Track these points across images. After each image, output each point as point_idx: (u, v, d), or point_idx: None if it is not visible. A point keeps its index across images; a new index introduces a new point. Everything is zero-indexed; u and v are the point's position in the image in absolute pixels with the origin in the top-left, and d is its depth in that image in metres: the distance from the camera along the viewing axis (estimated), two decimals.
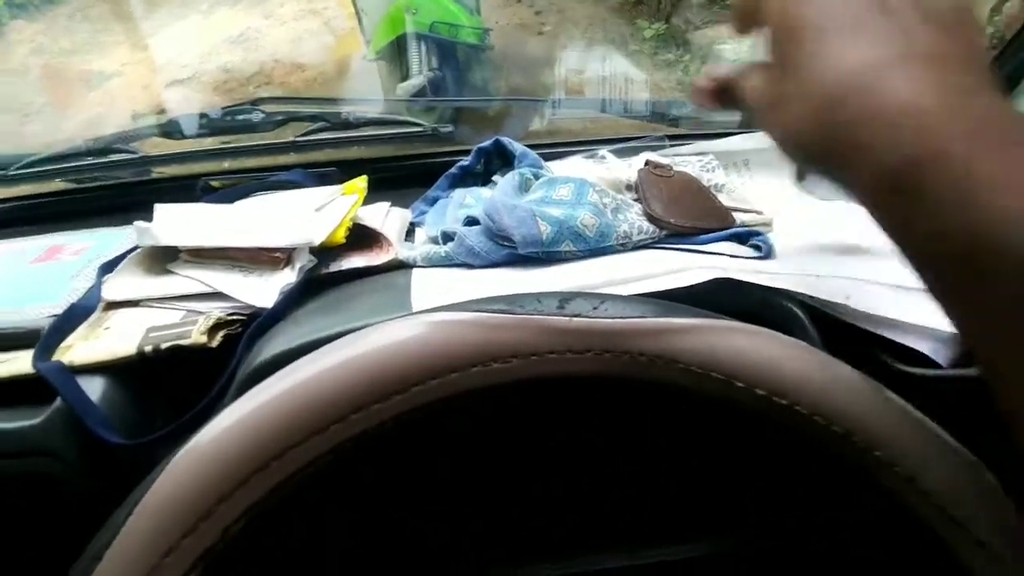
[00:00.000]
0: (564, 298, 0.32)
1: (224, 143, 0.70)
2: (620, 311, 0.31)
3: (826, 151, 0.26)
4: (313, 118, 0.66)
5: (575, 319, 0.31)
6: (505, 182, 0.53)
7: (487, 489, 0.49)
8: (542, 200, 0.50)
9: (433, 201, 0.62)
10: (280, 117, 0.67)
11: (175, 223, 0.55)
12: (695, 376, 0.30)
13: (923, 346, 0.46)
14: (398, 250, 0.53)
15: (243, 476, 0.28)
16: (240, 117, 0.69)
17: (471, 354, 0.30)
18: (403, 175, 0.67)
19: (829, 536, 0.46)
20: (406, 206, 0.63)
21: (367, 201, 0.62)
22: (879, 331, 0.44)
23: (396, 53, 2.34)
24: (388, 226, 0.59)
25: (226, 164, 0.68)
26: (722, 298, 0.44)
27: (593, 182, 0.51)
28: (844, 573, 0.46)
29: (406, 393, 0.30)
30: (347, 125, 0.65)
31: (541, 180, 0.54)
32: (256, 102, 0.69)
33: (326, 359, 0.31)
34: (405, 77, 2.24)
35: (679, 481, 0.48)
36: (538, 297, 0.32)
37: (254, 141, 0.68)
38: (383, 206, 0.62)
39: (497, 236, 0.48)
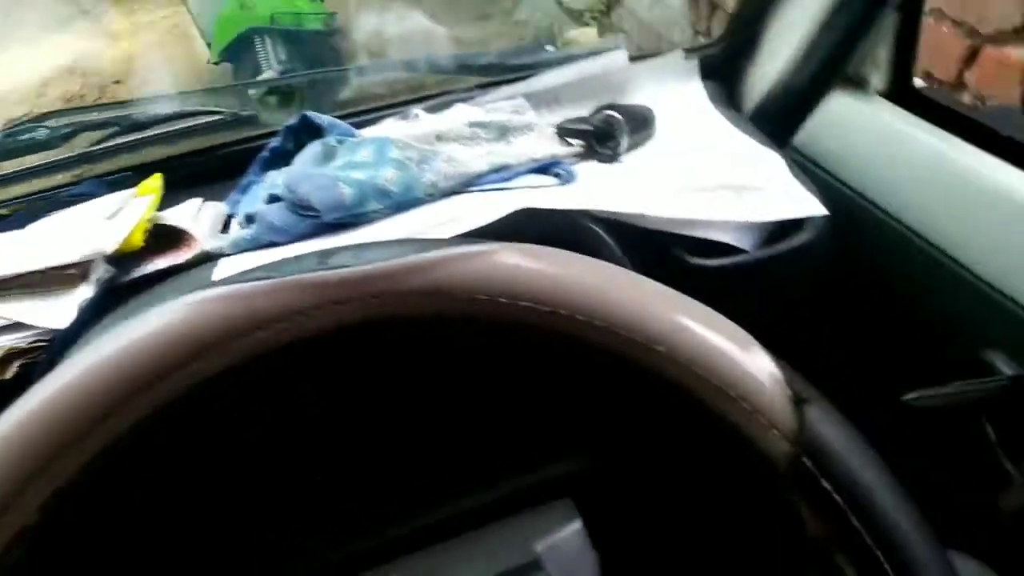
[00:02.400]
0: (326, 254, 0.31)
1: (18, 167, 0.64)
2: (383, 255, 0.30)
3: None
4: (103, 125, 0.61)
5: (336, 271, 0.30)
6: (306, 153, 0.51)
7: (326, 450, 0.48)
8: (345, 165, 0.49)
9: (247, 188, 0.60)
10: (68, 130, 0.62)
11: None
12: (463, 302, 0.30)
13: (725, 237, 0.48)
14: (203, 243, 0.50)
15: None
16: (23, 137, 0.63)
17: (233, 327, 0.29)
18: (214, 168, 0.63)
19: (663, 445, 0.48)
20: (223, 199, 0.60)
21: (177, 201, 0.59)
22: (677, 231, 0.46)
23: (241, 53, 2.23)
24: (199, 222, 0.56)
25: (16, 190, 0.63)
26: (526, 230, 0.45)
27: (396, 138, 0.50)
28: (685, 481, 0.48)
29: (170, 379, 0.29)
30: (140, 126, 0.60)
31: (344, 146, 0.52)
32: (39, 118, 0.63)
33: (80, 361, 0.29)
34: (255, 75, 2.14)
35: (522, 411, 0.49)
36: (298, 258, 0.31)
37: (48, 159, 0.62)
38: (194, 203, 0.58)
39: (299, 207, 0.47)
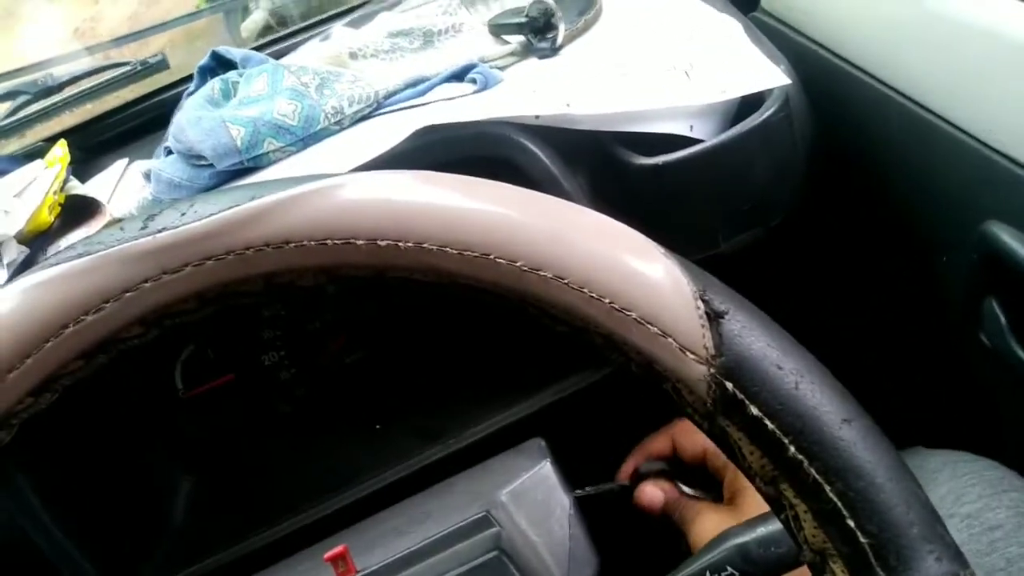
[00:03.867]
0: (149, 216, 0.26)
1: None
2: (211, 208, 0.26)
3: None
4: (11, 95, 0.57)
5: (160, 235, 0.26)
6: (198, 94, 0.46)
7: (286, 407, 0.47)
8: (239, 103, 0.44)
9: None
10: None
11: None
12: (314, 250, 0.26)
13: (674, 127, 0.42)
14: (115, 210, 0.47)
15: None
16: None
17: (56, 316, 0.26)
18: (142, 124, 0.59)
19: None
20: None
21: (106, 164, 0.56)
22: (613, 128, 0.40)
23: None
24: (124, 185, 0.52)
25: None
26: (439, 150, 0.40)
27: (288, 64, 0.45)
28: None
29: (3, 383, 0.26)
30: (49, 91, 0.56)
31: (242, 80, 0.47)
32: None
33: None
34: (246, 11, 2.05)
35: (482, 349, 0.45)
36: (121, 226, 0.27)
37: None
38: (119, 164, 0.55)
39: (192, 158, 0.42)
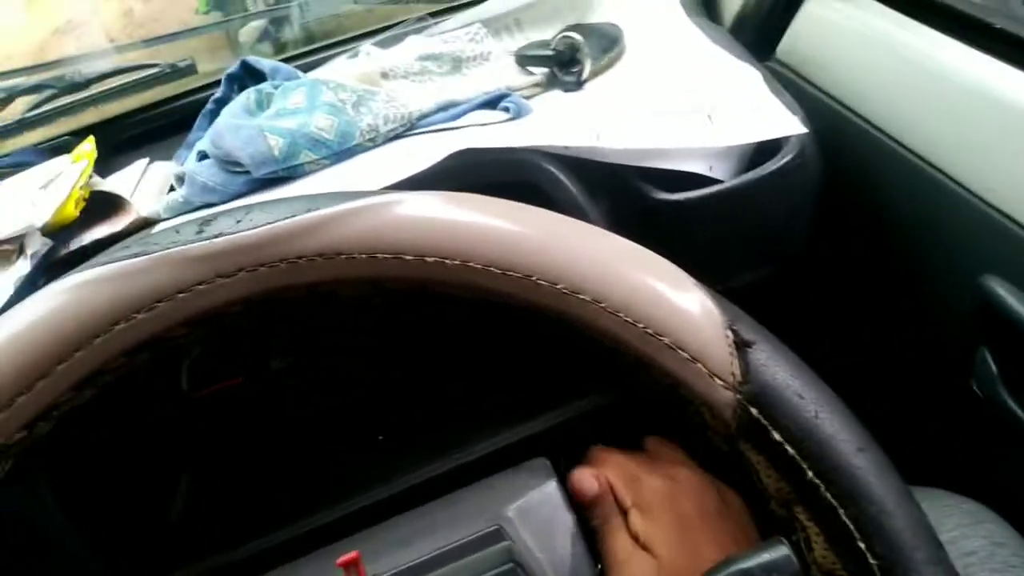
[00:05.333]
0: (205, 221, 0.28)
1: None
2: (267, 217, 0.27)
3: None
4: (39, 88, 0.58)
5: (216, 240, 0.27)
6: (235, 103, 0.47)
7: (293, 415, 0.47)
8: (276, 114, 0.45)
9: (193, 144, 0.56)
10: (1, 95, 0.59)
11: None
12: (363, 263, 0.27)
13: (694, 166, 0.44)
14: (141, 208, 0.48)
15: None
16: None
17: (106, 313, 0.26)
18: (163, 125, 0.60)
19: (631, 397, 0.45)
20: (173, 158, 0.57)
21: (126, 162, 0.56)
22: (638, 163, 0.42)
23: None
24: (144, 185, 0.53)
25: None
26: (470, 174, 0.41)
27: (326, 80, 0.46)
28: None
29: (50, 377, 0.27)
30: (76, 87, 0.57)
31: (277, 92, 0.48)
32: None
33: None
34: (244, 20, 2.06)
35: (492, 366, 0.46)
36: (177, 228, 0.28)
37: None
38: (140, 164, 0.56)
39: (228, 164, 0.43)
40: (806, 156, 0.43)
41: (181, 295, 0.27)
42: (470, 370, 0.50)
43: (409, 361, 0.51)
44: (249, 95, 0.48)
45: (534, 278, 0.27)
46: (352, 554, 0.36)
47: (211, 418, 0.52)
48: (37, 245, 0.46)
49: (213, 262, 0.27)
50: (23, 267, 0.46)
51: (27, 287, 0.44)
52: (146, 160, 0.56)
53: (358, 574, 0.37)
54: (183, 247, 0.27)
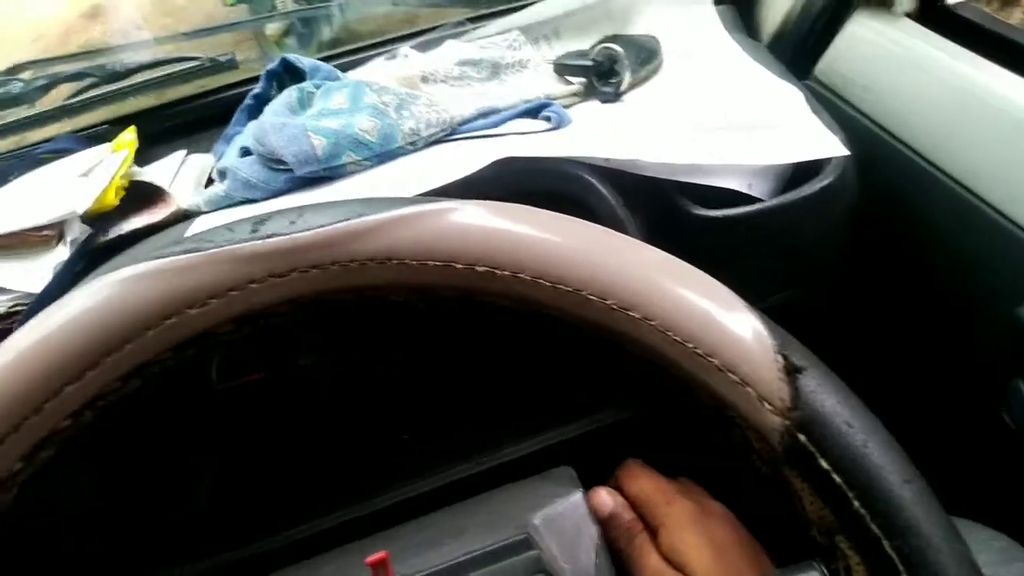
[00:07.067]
0: (259, 220, 0.28)
1: None
2: (321, 220, 0.27)
3: None
4: (79, 76, 0.59)
5: (270, 240, 0.27)
6: (277, 101, 0.48)
7: (321, 414, 0.48)
8: (319, 114, 0.46)
9: (232, 139, 0.57)
10: (43, 82, 0.59)
11: None
12: (414, 269, 0.27)
13: (734, 183, 0.44)
14: (179, 200, 0.48)
15: None
16: None
17: (159, 308, 0.27)
18: (201, 117, 0.60)
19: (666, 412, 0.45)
20: (212, 149, 0.57)
21: (163, 153, 0.57)
22: (678, 177, 0.42)
23: None
24: (182, 177, 0.54)
25: None
26: (511, 182, 0.41)
27: (369, 82, 0.46)
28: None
29: (99, 367, 0.27)
30: (116, 76, 0.57)
31: (319, 92, 0.48)
32: (13, 70, 0.60)
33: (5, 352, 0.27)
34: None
35: (523, 373, 0.47)
36: (230, 227, 0.28)
37: (23, 114, 0.60)
38: (178, 156, 0.56)
39: (271, 161, 0.44)
40: (846, 179, 0.44)
41: (233, 292, 0.27)
42: (498, 376, 0.50)
43: (438, 364, 0.51)
44: (291, 93, 0.48)
45: (584, 292, 0.27)
46: (381, 554, 0.37)
47: (236, 411, 0.52)
48: (77, 232, 0.47)
49: (267, 262, 0.27)
50: (62, 253, 0.46)
51: (66, 273, 0.45)
52: (184, 152, 0.56)
53: (386, 574, 0.37)
54: (237, 245, 0.27)
